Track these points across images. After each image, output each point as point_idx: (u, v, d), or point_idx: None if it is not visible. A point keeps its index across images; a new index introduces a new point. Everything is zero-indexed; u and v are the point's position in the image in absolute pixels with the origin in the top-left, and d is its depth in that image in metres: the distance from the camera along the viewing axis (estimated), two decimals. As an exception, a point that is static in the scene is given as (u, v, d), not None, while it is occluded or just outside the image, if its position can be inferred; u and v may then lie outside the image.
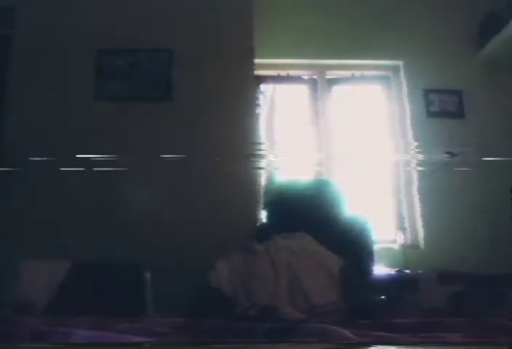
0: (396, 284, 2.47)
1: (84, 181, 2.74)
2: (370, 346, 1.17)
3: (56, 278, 2.21)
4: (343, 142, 3.60)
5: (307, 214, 2.39)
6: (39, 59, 2.93)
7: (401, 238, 3.32)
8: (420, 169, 3.37)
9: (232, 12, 3.07)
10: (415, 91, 3.55)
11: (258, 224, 2.81)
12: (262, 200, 2.82)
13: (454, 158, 3.32)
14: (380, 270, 2.62)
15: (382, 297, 2.27)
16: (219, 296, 2.12)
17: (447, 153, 3.29)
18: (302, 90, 3.74)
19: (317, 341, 1.20)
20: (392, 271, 2.73)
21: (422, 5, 3.57)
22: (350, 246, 2.30)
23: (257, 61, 3.05)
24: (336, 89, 3.71)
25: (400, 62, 3.62)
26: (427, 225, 3.33)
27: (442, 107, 3.51)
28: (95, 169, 2.78)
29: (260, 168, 3.04)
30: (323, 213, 2.45)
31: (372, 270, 2.40)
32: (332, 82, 3.71)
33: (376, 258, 2.45)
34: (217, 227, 2.65)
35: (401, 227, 3.39)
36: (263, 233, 2.46)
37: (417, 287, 2.41)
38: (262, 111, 3.54)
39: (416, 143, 3.47)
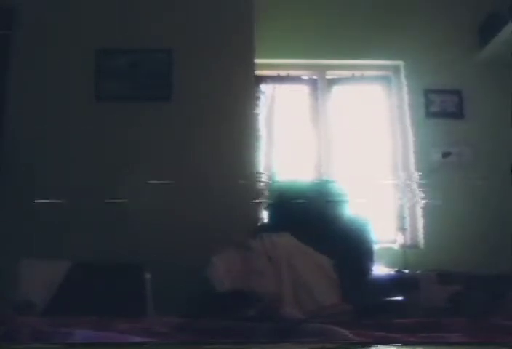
0: (396, 284, 2.47)
1: (84, 181, 2.74)
2: (370, 346, 1.17)
3: (56, 278, 2.22)
4: (343, 142, 3.60)
5: (308, 214, 2.39)
6: (39, 59, 2.93)
7: (400, 239, 3.32)
8: (420, 169, 3.37)
9: (232, 12, 3.07)
10: (415, 91, 3.56)
11: (259, 224, 2.81)
12: (263, 200, 2.82)
13: (454, 158, 3.32)
14: (380, 270, 2.62)
15: (382, 297, 2.27)
16: (219, 296, 2.12)
17: (446, 152, 3.29)
18: (302, 90, 3.74)
19: (317, 341, 1.20)
20: (392, 271, 2.73)
21: (422, 5, 3.57)
22: (350, 245, 2.30)
23: (257, 61, 3.05)
24: (336, 89, 3.71)
25: (400, 62, 3.62)
26: (427, 226, 3.33)
27: (442, 108, 3.51)
28: (95, 169, 2.79)
29: (260, 168, 3.05)
30: (323, 213, 2.45)
31: (371, 270, 2.40)
32: (333, 82, 3.71)
33: (376, 258, 2.45)
34: (217, 228, 2.65)
35: (401, 228, 3.39)
36: (263, 232, 2.46)
37: (417, 287, 2.40)
38: (262, 111, 3.53)
39: (416, 143, 3.48)
